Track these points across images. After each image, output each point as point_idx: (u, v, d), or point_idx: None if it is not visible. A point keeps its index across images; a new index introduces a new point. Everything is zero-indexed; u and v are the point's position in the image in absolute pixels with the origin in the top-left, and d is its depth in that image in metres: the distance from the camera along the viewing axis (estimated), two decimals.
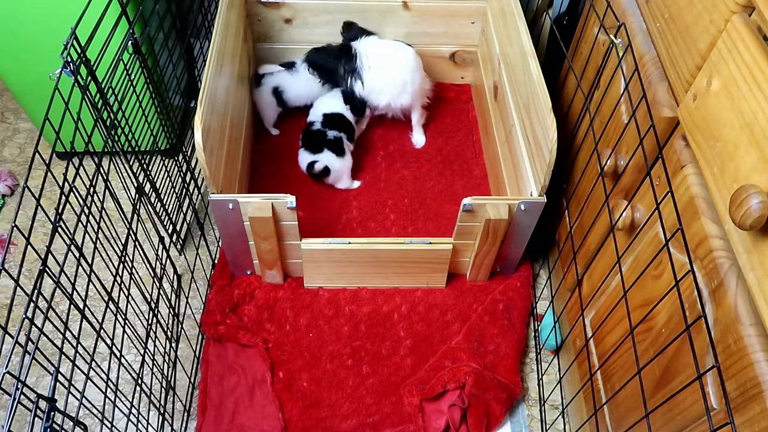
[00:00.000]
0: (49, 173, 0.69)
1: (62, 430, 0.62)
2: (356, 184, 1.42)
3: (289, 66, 1.46)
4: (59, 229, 0.70)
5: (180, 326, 1.18)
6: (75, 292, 0.73)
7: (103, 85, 0.88)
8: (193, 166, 1.39)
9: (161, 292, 1.09)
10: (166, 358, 1.10)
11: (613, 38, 0.92)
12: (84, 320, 0.75)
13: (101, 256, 0.86)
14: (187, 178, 1.33)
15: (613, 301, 0.91)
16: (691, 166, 0.73)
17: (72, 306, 0.74)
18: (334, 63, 1.38)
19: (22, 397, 0.58)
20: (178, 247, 1.32)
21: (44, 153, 1.45)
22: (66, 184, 0.72)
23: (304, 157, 1.37)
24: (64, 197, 0.72)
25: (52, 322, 0.70)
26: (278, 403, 1.09)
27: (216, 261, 1.29)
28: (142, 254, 1.02)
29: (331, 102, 1.42)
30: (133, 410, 0.92)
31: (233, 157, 1.21)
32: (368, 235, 1.33)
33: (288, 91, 1.46)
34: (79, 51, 0.82)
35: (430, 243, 1.15)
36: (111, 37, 0.88)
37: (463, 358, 1.12)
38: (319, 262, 1.17)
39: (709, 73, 0.69)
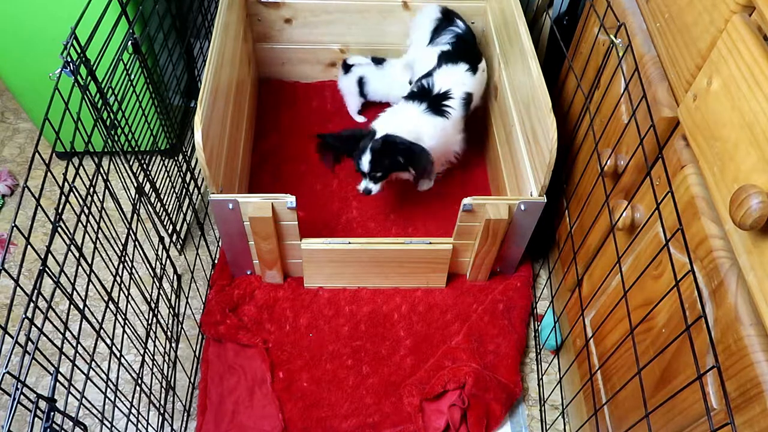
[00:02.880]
0: (49, 173, 0.69)
1: (62, 430, 0.62)
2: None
3: (379, 61, 1.53)
4: (59, 229, 0.69)
5: (180, 326, 1.18)
6: (75, 292, 0.73)
7: (102, 85, 0.88)
8: (193, 166, 1.39)
9: (161, 292, 1.09)
10: (166, 358, 1.10)
11: (613, 38, 0.92)
12: (84, 320, 0.75)
13: (101, 256, 0.86)
14: (187, 178, 1.33)
15: (613, 301, 0.91)
16: (691, 166, 0.73)
17: (72, 306, 0.74)
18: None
19: (22, 397, 0.58)
20: (178, 247, 1.32)
21: (44, 153, 1.45)
22: (66, 184, 0.72)
23: None
24: (64, 197, 0.72)
25: (52, 322, 0.70)
26: (278, 403, 1.09)
27: (216, 261, 1.29)
28: (142, 254, 1.02)
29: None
30: (133, 410, 0.92)
31: (233, 157, 1.21)
32: (368, 235, 1.33)
33: (370, 83, 1.52)
34: (79, 51, 0.82)
35: (430, 243, 1.15)
36: (111, 37, 0.88)
37: (463, 358, 1.12)
38: (319, 262, 1.17)
39: (709, 72, 0.69)
